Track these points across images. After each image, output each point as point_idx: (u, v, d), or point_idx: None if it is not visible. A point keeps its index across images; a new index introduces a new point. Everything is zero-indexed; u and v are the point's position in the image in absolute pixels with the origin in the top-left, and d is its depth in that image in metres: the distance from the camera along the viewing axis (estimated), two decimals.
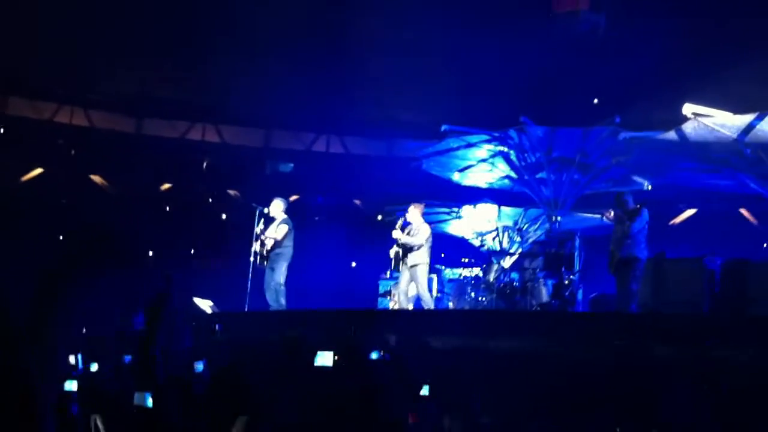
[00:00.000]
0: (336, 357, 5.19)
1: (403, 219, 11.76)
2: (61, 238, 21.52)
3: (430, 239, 11.57)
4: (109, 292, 20.11)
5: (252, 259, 12.39)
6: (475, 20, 17.18)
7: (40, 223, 20.94)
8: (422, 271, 11.43)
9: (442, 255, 17.33)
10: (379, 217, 18.47)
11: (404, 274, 11.60)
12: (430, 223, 15.85)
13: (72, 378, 5.93)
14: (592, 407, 7.30)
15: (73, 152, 22.35)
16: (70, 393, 5.73)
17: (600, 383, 7.62)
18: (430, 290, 13.60)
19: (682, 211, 19.31)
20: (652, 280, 11.08)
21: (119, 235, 18.93)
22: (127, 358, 8.56)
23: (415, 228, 11.61)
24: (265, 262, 12.29)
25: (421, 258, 11.41)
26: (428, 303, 11.50)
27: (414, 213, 11.81)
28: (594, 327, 8.97)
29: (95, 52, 19.77)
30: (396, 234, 11.54)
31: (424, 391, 4.82)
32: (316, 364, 5.27)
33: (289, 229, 12.28)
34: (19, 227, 19.85)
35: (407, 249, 11.53)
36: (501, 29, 16.66)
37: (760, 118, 11.68)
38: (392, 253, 11.68)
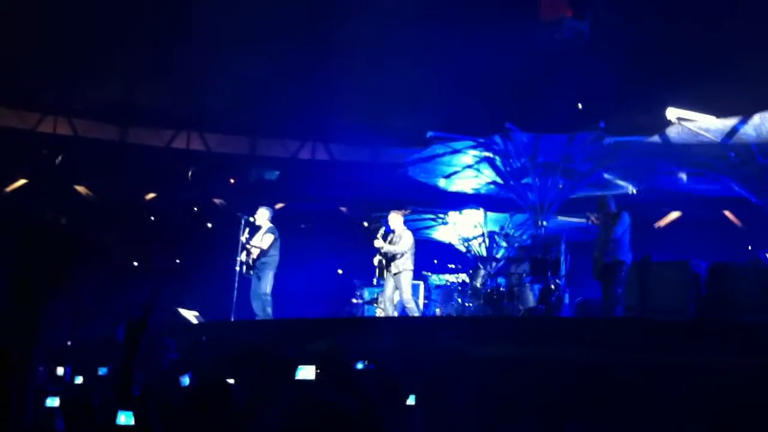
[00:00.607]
0: (318, 370, 5.13)
1: (384, 227, 11.77)
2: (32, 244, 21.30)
3: (413, 246, 11.60)
4: (94, 301, 19.99)
5: (238, 268, 12.34)
6: (461, 26, 17.23)
7: (24, 235, 20.74)
8: (406, 278, 11.47)
9: (435, 261, 17.36)
10: (365, 224, 18.41)
11: (389, 282, 11.64)
12: (416, 229, 15.94)
13: (54, 394, 5.82)
14: (578, 414, 7.29)
15: (57, 162, 22.22)
16: (53, 409, 5.63)
17: (586, 389, 7.61)
18: (417, 296, 13.60)
19: (666, 214, 19.39)
20: (637, 284, 11.10)
21: (99, 243, 18.82)
22: (103, 370, 8.44)
23: (397, 235, 11.66)
24: (252, 272, 12.26)
25: (404, 265, 11.47)
26: (413, 310, 11.50)
27: (395, 219, 11.87)
28: (579, 332, 8.95)
29: (79, 61, 19.68)
30: (378, 243, 11.61)
31: (410, 401, 4.78)
32: (297, 377, 5.21)
33: (275, 238, 12.26)
34: (2, 239, 19.67)
35: (390, 257, 11.58)
36: (486, 36, 16.70)
37: (743, 122, 11.77)
38: (376, 261, 11.73)
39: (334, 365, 5.37)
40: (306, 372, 5.01)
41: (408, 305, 11.48)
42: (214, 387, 4.56)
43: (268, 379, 5.21)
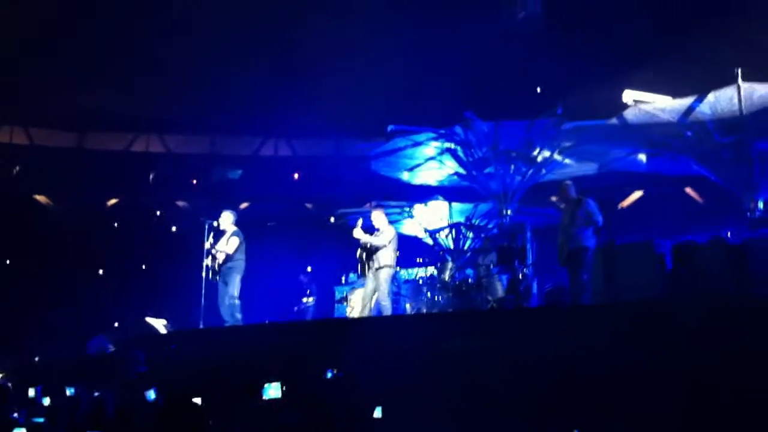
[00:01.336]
0: (284, 387, 5.09)
1: (361, 219, 11.57)
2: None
3: (395, 242, 11.34)
4: (59, 311, 19.73)
5: (204, 274, 12.22)
6: (416, 17, 17.18)
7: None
8: (385, 275, 11.21)
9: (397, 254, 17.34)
10: (332, 220, 18.37)
11: (369, 279, 11.41)
12: None
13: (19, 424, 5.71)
14: (549, 407, 7.32)
15: (14, 172, 21.84)
16: None
17: (557, 380, 7.64)
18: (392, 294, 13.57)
19: (629, 194, 19.60)
20: (603, 268, 11.15)
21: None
22: (71, 390, 8.30)
23: (380, 231, 11.44)
24: (218, 277, 12.14)
25: (384, 260, 11.20)
26: (387, 309, 11.36)
27: (378, 217, 11.58)
28: (547, 322, 8.99)
29: (31, 68, 19.33)
30: (357, 233, 11.31)
31: (377, 413, 4.76)
32: (264, 397, 5.16)
33: (240, 242, 12.14)
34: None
35: (371, 250, 11.34)
36: (441, 25, 16.69)
37: (699, 101, 11.87)
38: (358, 254, 11.46)
39: (301, 378, 5.33)
40: (273, 391, 4.96)
41: (383, 302, 11.26)
42: (184, 408, 4.50)
43: (233, 400, 5.16)
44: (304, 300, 15.19)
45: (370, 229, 11.54)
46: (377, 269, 11.20)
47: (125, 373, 10.05)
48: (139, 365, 10.97)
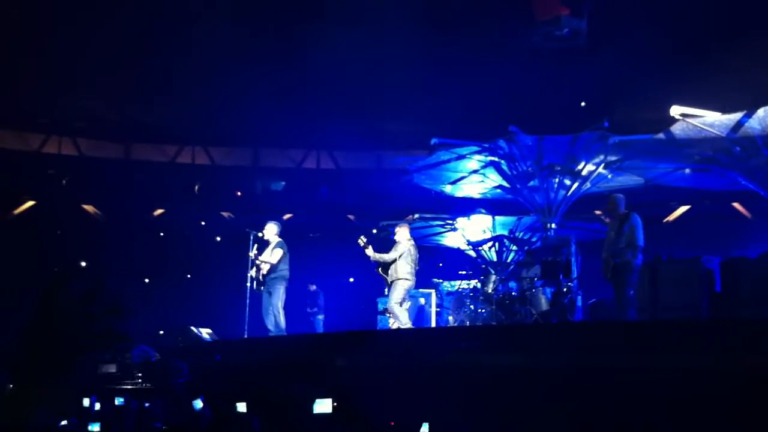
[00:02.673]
0: (335, 403, 5.11)
1: (364, 239, 11.89)
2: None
3: (409, 255, 11.53)
4: None
5: (248, 284, 12.36)
6: (458, 32, 17.22)
7: (34, 256, 20.85)
8: (397, 287, 11.41)
9: (440, 265, 17.33)
10: (374, 231, 18.44)
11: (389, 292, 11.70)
12: (425, 236, 15.94)
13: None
14: (590, 423, 7.26)
15: (64, 182, 22.28)
16: None
17: (600, 396, 7.57)
18: (429, 305, 13.61)
19: (674, 209, 19.35)
20: (649, 285, 11.02)
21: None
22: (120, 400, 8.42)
23: (395, 246, 11.72)
24: (262, 288, 12.27)
25: (396, 274, 11.45)
26: (396, 321, 11.53)
27: (400, 230, 11.92)
28: (592, 337, 8.90)
29: (78, 80, 19.73)
30: (368, 252, 11.72)
31: (424, 429, 4.75)
32: (314, 412, 5.20)
33: (284, 252, 12.26)
34: (13, 261, 19.77)
35: (383, 266, 11.66)
36: (486, 39, 16.70)
37: (748, 116, 11.71)
38: (378, 271, 11.83)
39: (343, 390, 5.36)
40: (323, 406, 5.00)
41: (394, 312, 11.48)
42: (236, 422, 4.55)
43: (278, 411, 5.20)
44: (309, 310, 15.21)
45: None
46: (392, 282, 11.50)
47: (172, 384, 10.18)
48: (182, 375, 11.11)
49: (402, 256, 11.47)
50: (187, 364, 11.44)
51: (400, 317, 11.48)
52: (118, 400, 8.01)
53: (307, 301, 14.67)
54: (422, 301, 13.74)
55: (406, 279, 11.43)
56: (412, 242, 11.77)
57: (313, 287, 14.45)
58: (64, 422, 7.64)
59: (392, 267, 11.49)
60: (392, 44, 18.33)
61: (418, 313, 13.60)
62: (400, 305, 11.44)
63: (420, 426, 4.73)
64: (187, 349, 13.13)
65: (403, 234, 11.82)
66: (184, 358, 11.98)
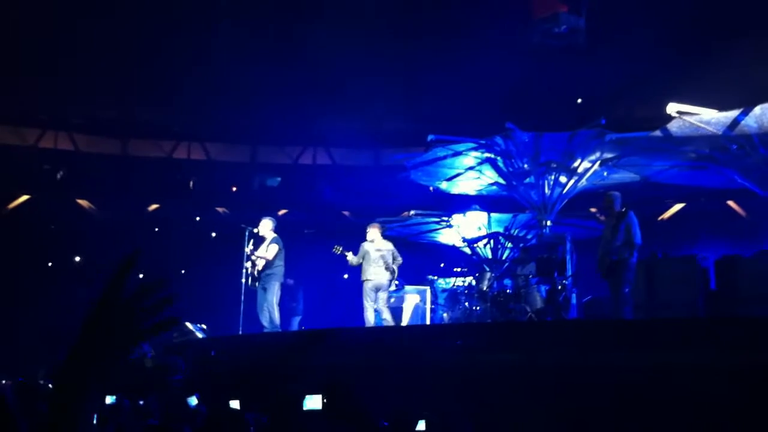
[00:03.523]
0: (323, 397, 5.07)
1: (340, 248, 12.39)
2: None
3: (369, 256, 12.00)
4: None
5: (243, 280, 12.33)
6: (458, 28, 17.20)
7: (29, 250, 20.81)
8: (365, 288, 11.98)
9: (442, 265, 17.28)
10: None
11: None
12: (421, 232, 15.92)
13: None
14: (584, 421, 7.25)
15: (59, 177, 22.23)
16: None
17: (595, 394, 7.56)
18: (424, 302, 13.60)
19: (670, 207, 19.34)
20: (644, 282, 11.03)
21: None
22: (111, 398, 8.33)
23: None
24: (257, 284, 12.24)
25: (363, 275, 12.04)
26: (367, 321, 12.01)
27: (368, 233, 12.31)
28: (587, 335, 8.89)
29: (76, 76, 19.69)
30: (348, 259, 12.30)
31: (421, 426, 4.73)
32: (305, 408, 5.16)
33: (280, 249, 12.25)
34: (7, 255, 19.72)
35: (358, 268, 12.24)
36: (483, 36, 16.67)
37: (744, 114, 11.70)
38: None
39: (337, 387, 5.32)
40: (313, 402, 4.96)
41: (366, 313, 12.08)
42: (229, 420, 4.50)
43: (271, 407, 5.16)
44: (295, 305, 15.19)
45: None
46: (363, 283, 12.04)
47: (168, 380, 10.16)
48: (180, 372, 11.08)
49: (364, 258, 12.01)
50: (184, 360, 11.43)
51: (368, 320, 11.96)
52: (110, 399, 7.93)
53: (286, 296, 14.67)
54: (417, 298, 13.72)
55: (369, 280, 11.94)
56: (381, 242, 12.16)
57: (291, 281, 14.44)
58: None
59: (361, 269, 12.08)
60: (389, 42, 18.32)
61: (414, 311, 13.58)
62: (371, 306, 11.96)
63: (416, 423, 4.69)
64: (181, 345, 13.09)
65: (371, 235, 12.23)
66: (179, 354, 11.96)
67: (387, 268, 11.92)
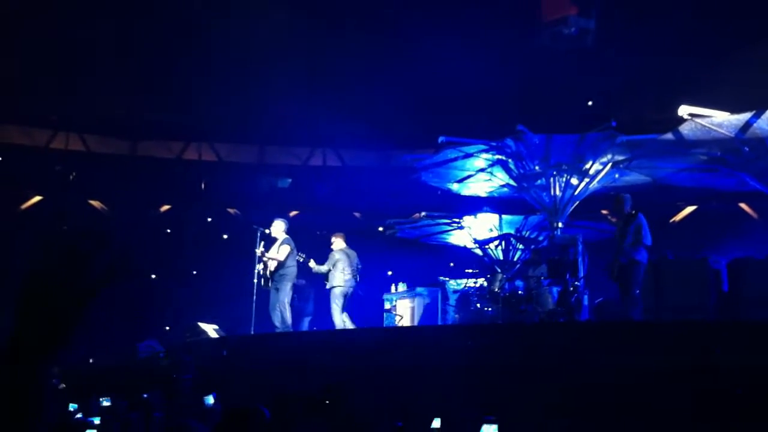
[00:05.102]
0: (331, 396, 5.10)
1: (303, 255, 12.69)
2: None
3: (341, 263, 12.57)
4: (112, 315, 20.10)
5: (255, 280, 12.42)
6: (466, 30, 17.21)
7: (41, 252, 20.88)
8: (333, 294, 12.51)
9: (451, 264, 17.31)
10: (381, 229, 18.46)
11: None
12: (432, 234, 15.97)
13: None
14: (594, 422, 7.27)
15: (71, 178, 22.32)
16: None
17: (607, 396, 7.58)
18: (436, 303, 13.64)
19: (681, 209, 19.31)
20: (654, 285, 11.03)
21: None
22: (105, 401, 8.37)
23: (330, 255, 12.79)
24: (269, 284, 12.32)
25: (331, 281, 12.59)
26: (335, 325, 12.46)
27: (335, 242, 12.92)
28: (598, 337, 8.91)
29: (86, 76, 19.78)
30: (311, 265, 12.77)
31: (436, 423, 4.76)
32: (313, 409, 5.19)
33: (291, 249, 12.34)
34: (20, 256, 19.84)
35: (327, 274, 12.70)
36: (492, 38, 16.69)
37: (757, 116, 11.69)
38: None
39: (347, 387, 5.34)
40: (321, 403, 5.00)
41: (335, 320, 12.54)
42: (244, 417, 4.52)
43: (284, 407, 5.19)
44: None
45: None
46: (330, 289, 12.56)
47: (178, 378, 10.22)
48: (189, 371, 11.15)
49: (335, 266, 12.48)
50: (192, 359, 11.51)
51: (335, 321, 12.40)
52: (105, 401, 7.95)
53: (295, 296, 14.71)
54: (428, 299, 13.76)
55: (340, 286, 12.48)
56: (347, 250, 12.78)
57: (302, 281, 14.50)
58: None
59: (329, 276, 12.56)
60: (399, 43, 18.35)
61: (425, 312, 13.61)
62: (340, 310, 12.46)
63: (430, 422, 4.73)
64: (193, 345, 13.17)
65: (338, 244, 12.80)
66: (190, 354, 12.02)
67: (355, 276, 12.63)
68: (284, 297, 12.18)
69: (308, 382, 8.04)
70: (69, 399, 9.04)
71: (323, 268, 12.64)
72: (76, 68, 19.38)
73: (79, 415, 6.72)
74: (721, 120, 11.95)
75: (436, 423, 4.64)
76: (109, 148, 22.81)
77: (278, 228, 12.55)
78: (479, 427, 6.41)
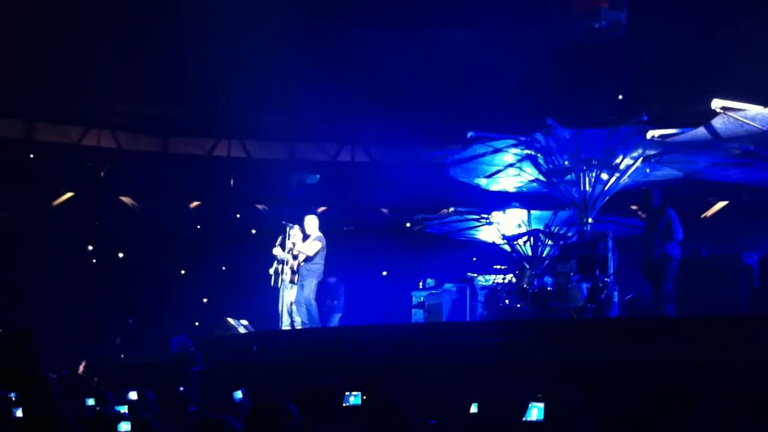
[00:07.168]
0: (362, 393, 5.09)
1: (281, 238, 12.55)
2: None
3: (323, 251, 12.26)
4: (143, 310, 20.35)
5: (278, 268, 12.54)
6: (497, 23, 17.13)
7: (74, 247, 21.22)
8: (315, 284, 12.18)
9: (474, 259, 17.26)
10: (408, 225, 18.45)
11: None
12: (460, 230, 15.90)
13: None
14: (625, 421, 7.20)
15: (102, 174, 22.60)
16: None
17: (639, 394, 7.51)
18: (464, 299, 13.60)
19: (713, 204, 19.07)
20: (687, 280, 10.91)
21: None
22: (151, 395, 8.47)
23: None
24: (295, 278, 12.33)
25: (316, 270, 12.25)
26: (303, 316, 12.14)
27: (309, 223, 12.50)
28: (628, 333, 8.83)
29: (118, 74, 19.99)
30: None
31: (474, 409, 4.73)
32: (345, 404, 5.19)
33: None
34: (52, 252, 20.14)
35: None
36: (523, 31, 16.59)
37: None
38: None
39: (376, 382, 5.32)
40: (353, 398, 5.00)
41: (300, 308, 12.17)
42: (273, 412, 4.53)
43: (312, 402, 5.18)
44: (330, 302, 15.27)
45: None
46: (306, 279, 12.14)
47: (187, 370, 10.35)
48: (196, 364, 11.28)
49: (318, 253, 12.19)
50: (200, 353, 11.66)
51: (305, 315, 12.06)
52: (132, 394, 8.04)
53: (327, 294, 14.74)
54: (456, 295, 13.74)
55: (322, 274, 12.34)
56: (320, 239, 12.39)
57: (333, 279, 14.51)
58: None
59: (309, 263, 12.18)
60: (429, 38, 18.30)
61: (452, 307, 13.58)
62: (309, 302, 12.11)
63: (469, 406, 4.71)
64: (223, 341, 13.27)
65: (316, 226, 12.47)
66: (221, 350, 12.12)
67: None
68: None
69: (340, 377, 8.05)
70: (103, 391, 9.15)
71: (316, 249, 12.23)
72: (108, 66, 19.58)
73: (116, 407, 6.81)
74: (755, 113, 11.73)
75: (474, 409, 4.62)
76: (140, 145, 23.05)
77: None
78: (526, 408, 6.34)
